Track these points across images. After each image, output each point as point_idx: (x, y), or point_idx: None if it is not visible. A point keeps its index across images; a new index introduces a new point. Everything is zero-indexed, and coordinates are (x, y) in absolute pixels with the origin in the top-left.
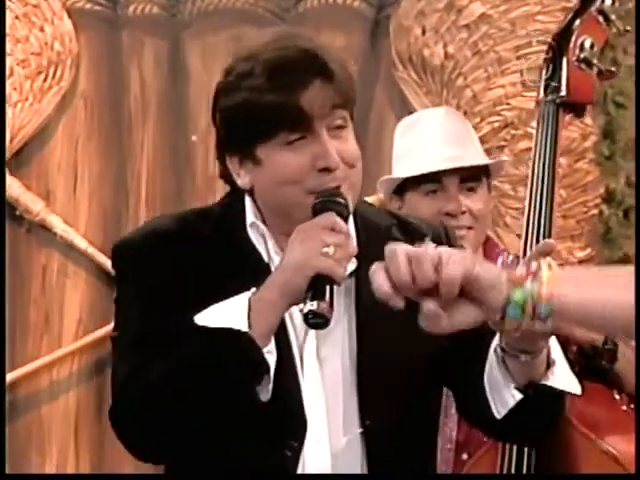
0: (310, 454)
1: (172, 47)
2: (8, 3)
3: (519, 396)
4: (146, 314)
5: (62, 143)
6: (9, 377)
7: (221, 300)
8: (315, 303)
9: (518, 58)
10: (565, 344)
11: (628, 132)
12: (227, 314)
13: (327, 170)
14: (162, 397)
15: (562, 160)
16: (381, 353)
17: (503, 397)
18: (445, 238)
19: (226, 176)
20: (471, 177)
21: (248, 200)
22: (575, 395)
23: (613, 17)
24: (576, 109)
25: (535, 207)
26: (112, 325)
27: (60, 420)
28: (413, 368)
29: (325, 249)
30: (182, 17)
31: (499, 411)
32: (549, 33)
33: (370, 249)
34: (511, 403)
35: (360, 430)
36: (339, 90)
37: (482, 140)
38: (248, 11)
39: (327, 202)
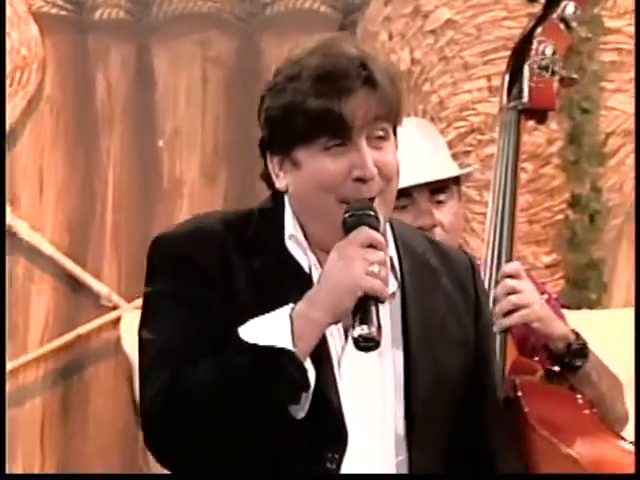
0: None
1: (138, 51)
2: None
3: None
4: (187, 313)
5: (28, 148)
6: None
7: (263, 307)
8: (365, 327)
9: (484, 64)
10: (534, 352)
11: (593, 137)
12: (270, 331)
13: (362, 180)
14: (205, 404)
15: (528, 165)
16: (430, 377)
17: None
18: (470, 267)
19: (266, 178)
20: (441, 189)
21: (288, 209)
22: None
23: (574, 24)
24: (538, 115)
25: (498, 213)
26: (139, 321)
27: (26, 425)
28: (459, 393)
29: (371, 268)
30: (148, 21)
31: None
32: (515, 39)
33: (412, 272)
34: None
35: (403, 457)
36: (383, 101)
37: (449, 145)
38: (214, 16)
39: (359, 216)
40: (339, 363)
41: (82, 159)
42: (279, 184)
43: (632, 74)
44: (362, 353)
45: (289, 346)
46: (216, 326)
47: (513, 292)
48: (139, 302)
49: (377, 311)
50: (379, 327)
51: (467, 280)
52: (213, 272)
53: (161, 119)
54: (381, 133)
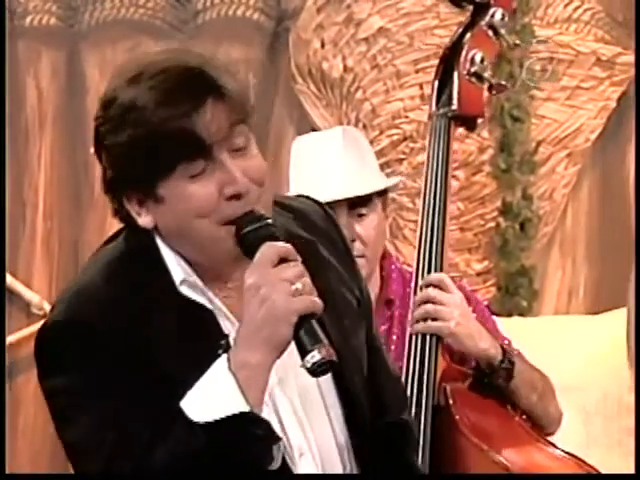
0: None
1: (69, 58)
2: None
3: None
4: (110, 401)
5: None
6: None
7: (185, 367)
8: (316, 353)
9: (417, 72)
10: (463, 360)
11: (524, 145)
12: (217, 396)
13: (237, 197)
14: None
15: (460, 173)
16: (354, 368)
17: None
18: (326, 215)
19: (122, 215)
20: (362, 202)
21: (164, 247)
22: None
23: (503, 31)
24: (467, 122)
25: (428, 220)
26: None
27: None
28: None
29: (293, 287)
30: (80, 28)
31: None
32: None
33: (302, 259)
34: None
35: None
36: (234, 105)
37: (381, 153)
38: (146, 23)
39: (254, 231)
40: (273, 399)
41: (12, 166)
42: (142, 222)
43: (563, 82)
44: (286, 381)
45: (243, 406)
46: (148, 402)
47: (431, 302)
48: None
49: (319, 326)
50: (329, 343)
51: (332, 232)
52: (121, 349)
53: (92, 126)
54: (241, 139)
